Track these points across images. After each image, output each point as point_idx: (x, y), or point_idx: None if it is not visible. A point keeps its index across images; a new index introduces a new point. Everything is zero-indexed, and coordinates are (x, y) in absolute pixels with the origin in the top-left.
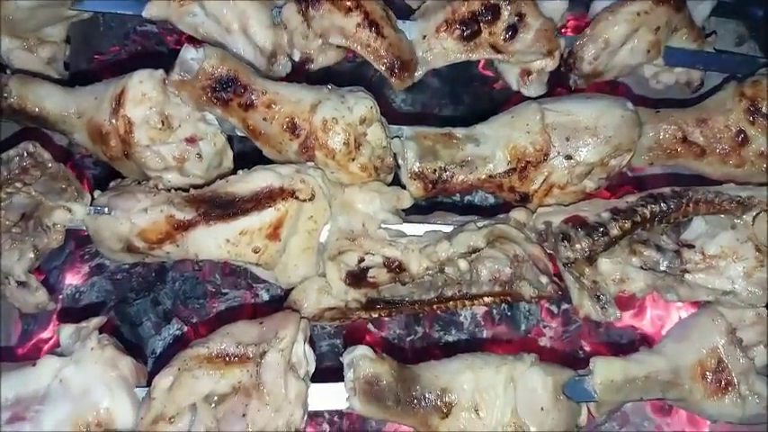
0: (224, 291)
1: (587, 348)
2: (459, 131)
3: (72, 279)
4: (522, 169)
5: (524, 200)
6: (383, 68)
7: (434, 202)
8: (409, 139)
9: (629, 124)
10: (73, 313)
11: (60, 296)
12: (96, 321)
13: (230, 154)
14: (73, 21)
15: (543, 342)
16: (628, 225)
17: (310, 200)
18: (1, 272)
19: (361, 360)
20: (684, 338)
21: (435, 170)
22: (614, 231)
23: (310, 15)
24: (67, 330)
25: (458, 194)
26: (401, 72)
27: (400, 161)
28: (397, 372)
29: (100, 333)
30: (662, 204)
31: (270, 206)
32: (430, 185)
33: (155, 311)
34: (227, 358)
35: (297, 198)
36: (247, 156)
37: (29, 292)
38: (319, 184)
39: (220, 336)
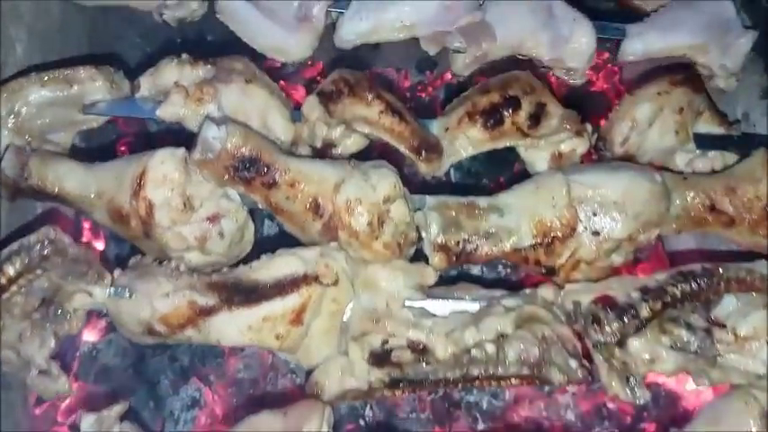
0: (242, 348)
1: (611, 405)
2: (482, 201)
3: (89, 336)
4: (549, 244)
5: (550, 273)
6: (410, 151)
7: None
8: (432, 209)
9: (657, 198)
10: (90, 371)
11: (77, 354)
12: (118, 409)
13: (252, 227)
14: (82, 129)
15: (566, 399)
16: (658, 306)
17: (334, 284)
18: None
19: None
20: (716, 422)
21: (459, 242)
22: (644, 313)
23: (331, 108)
24: (89, 420)
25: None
26: (429, 154)
27: (423, 233)
28: None
29: (121, 420)
30: (693, 284)
31: (293, 292)
32: (454, 257)
33: (172, 369)
34: None
35: (320, 283)
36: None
37: (50, 380)
38: (343, 268)
39: (244, 429)
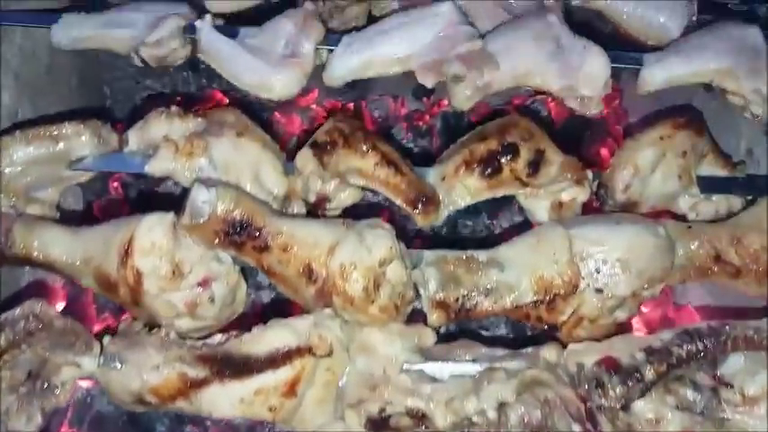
0: None
1: None
2: (481, 255)
3: (83, 381)
4: (550, 300)
5: (553, 329)
6: (406, 204)
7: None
8: (429, 265)
9: (661, 254)
10: (84, 418)
11: (71, 400)
12: None
13: (243, 287)
14: (69, 185)
15: None
16: (663, 368)
17: (328, 356)
18: None
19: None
20: None
21: (458, 298)
22: (649, 376)
23: (325, 161)
24: None
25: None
26: (426, 206)
27: (421, 290)
28: None
29: None
30: (698, 344)
31: (286, 365)
32: (453, 314)
33: (168, 415)
34: None
35: (314, 355)
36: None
37: None
38: (338, 337)
39: None
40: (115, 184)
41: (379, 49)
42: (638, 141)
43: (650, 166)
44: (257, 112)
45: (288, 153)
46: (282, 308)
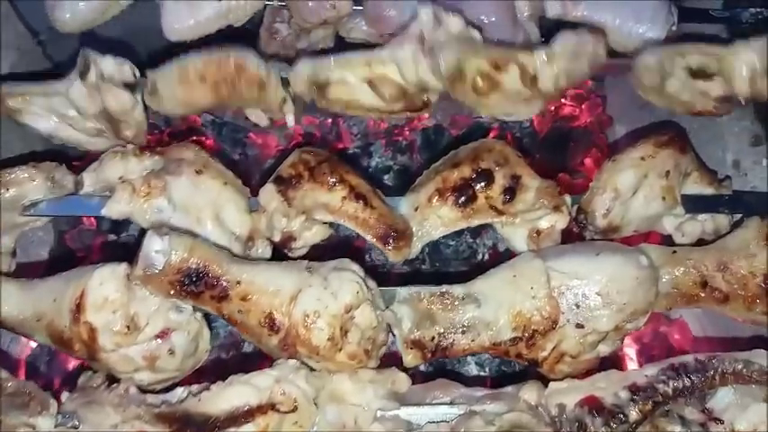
0: None
1: None
2: (457, 290)
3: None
4: (530, 337)
5: (534, 365)
6: (376, 240)
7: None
8: (403, 303)
9: (644, 286)
10: None
11: None
12: None
13: (207, 335)
14: (23, 229)
15: None
16: (648, 407)
17: (292, 411)
18: None
19: None
20: None
21: (434, 337)
22: (634, 415)
23: (291, 196)
24: None
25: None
26: (396, 242)
27: (395, 330)
28: None
29: None
30: (685, 379)
31: (247, 422)
32: (429, 354)
33: None
34: None
35: (278, 411)
36: None
37: None
38: (303, 391)
39: None
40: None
41: None
42: (618, 163)
43: (631, 189)
44: (232, 133)
45: (261, 179)
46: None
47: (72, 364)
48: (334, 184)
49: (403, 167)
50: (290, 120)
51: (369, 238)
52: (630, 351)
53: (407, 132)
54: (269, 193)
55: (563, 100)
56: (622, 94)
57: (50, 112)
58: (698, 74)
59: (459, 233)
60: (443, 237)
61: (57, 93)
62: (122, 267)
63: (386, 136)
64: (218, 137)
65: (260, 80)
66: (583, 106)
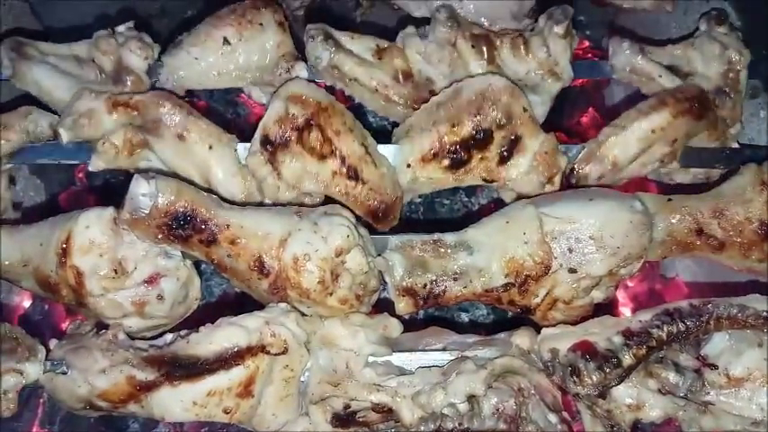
0: None
1: None
2: (449, 238)
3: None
4: (522, 283)
5: (527, 312)
6: (365, 215)
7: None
8: (395, 251)
9: (638, 230)
10: (55, 418)
11: (41, 400)
12: None
13: (197, 283)
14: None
15: None
16: (642, 352)
17: (283, 353)
18: None
19: None
20: None
21: (426, 284)
22: (627, 360)
23: (279, 159)
24: None
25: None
26: (384, 217)
27: (387, 278)
28: None
29: None
30: (679, 324)
31: (238, 365)
32: (421, 301)
33: None
34: None
35: (268, 353)
36: None
37: None
38: (293, 333)
39: None
40: (80, 174)
41: None
42: (625, 134)
43: (630, 160)
44: (224, 92)
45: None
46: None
47: (65, 324)
48: (324, 157)
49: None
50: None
51: (358, 212)
52: (626, 311)
53: None
54: (257, 161)
55: None
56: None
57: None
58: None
59: (454, 192)
60: (438, 196)
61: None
62: (109, 211)
63: None
64: (209, 98)
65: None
66: None
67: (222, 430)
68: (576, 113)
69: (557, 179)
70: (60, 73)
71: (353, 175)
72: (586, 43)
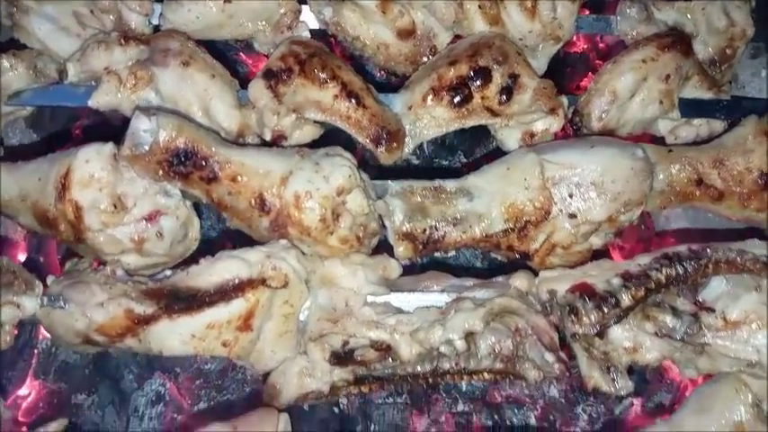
0: None
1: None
2: (449, 184)
3: (47, 332)
4: (522, 228)
5: (525, 258)
6: (368, 141)
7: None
8: (395, 196)
9: (639, 177)
10: (49, 369)
11: (35, 351)
12: (55, 426)
13: (197, 223)
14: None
15: None
16: (641, 293)
17: (283, 287)
18: None
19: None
20: (705, 410)
21: (425, 229)
22: (626, 301)
23: (281, 92)
24: None
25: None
26: (389, 143)
27: (386, 222)
28: None
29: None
30: (678, 267)
31: (238, 297)
32: (420, 246)
33: (136, 363)
34: None
35: (269, 286)
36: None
37: None
38: (294, 268)
39: None
40: (77, 132)
41: None
42: (618, 65)
43: (629, 92)
44: (221, 52)
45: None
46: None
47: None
48: (326, 81)
49: (399, 83)
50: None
51: (360, 139)
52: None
53: None
54: (258, 88)
55: None
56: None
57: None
58: None
59: (453, 151)
60: (437, 156)
61: None
62: (109, 146)
63: None
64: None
65: None
66: (579, 33)
67: (217, 382)
68: (576, 79)
69: (560, 112)
70: (61, 29)
71: (355, 98)
72: None
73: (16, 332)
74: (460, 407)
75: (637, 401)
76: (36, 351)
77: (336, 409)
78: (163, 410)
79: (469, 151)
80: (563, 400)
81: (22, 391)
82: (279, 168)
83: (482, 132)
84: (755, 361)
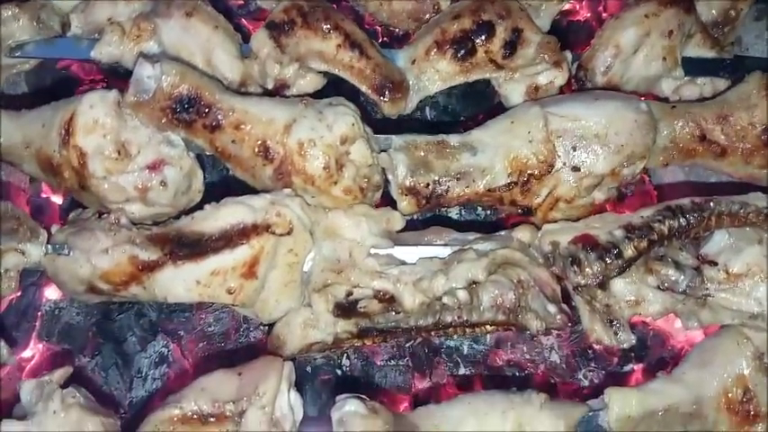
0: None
1: (597, 346)
2: (453, 139)
3: (51, 294)
4: (525, 182)
5: (527, 213)
6: (371, 91)
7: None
8: (398, 150)
9: (642, 130)
10: (53, 330)
11: (39, 313)
12: (60, 374)
13: (200, 175)
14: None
15: (550, 340)
16: (644, 244)
17: (288, 234)
18: None
19: (351, 418)
20: (707, 364)
21: (429, 184)
22: (629, 252)
23: (284, 43)
24: (28, 387)
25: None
26: (392, 93)
27: (390, 176)
28: (391, 425)
29: (65, 387)
30: (681, 219)
31: (243, 243)
32: (423, 201)
33: (139, 325)
34: (204, 418)
35: (273, 233)
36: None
37: None
38: (298, 216)
39: (194, 392)
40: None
41: None
42: (621, 20)
43: (633, 47)
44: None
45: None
46: None
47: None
48: (329, 32)
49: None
50: None
51: (364, 89)
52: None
53: None
54: (261, 38)
55: None
56: None
57: None
58: None
59: (454, 122)
60: (439, 122)
61: None
62: (113, 93)
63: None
64: None
65: None
66: (583, 1)
67: (221, 344)
68: (578, 48)
69: (564, 66)
70: None
71: (358, 48)
72: None
73: (20, 293)
74: (462, 370)
75: (638, 367)
76: (40, 313)
77: (339, 372)
78: (166, 371)
79: (473, 119)
80: (564, 366)
81: (26, 353)
82: (282, 116)
83: (484, 97)
84: (757, 313)
